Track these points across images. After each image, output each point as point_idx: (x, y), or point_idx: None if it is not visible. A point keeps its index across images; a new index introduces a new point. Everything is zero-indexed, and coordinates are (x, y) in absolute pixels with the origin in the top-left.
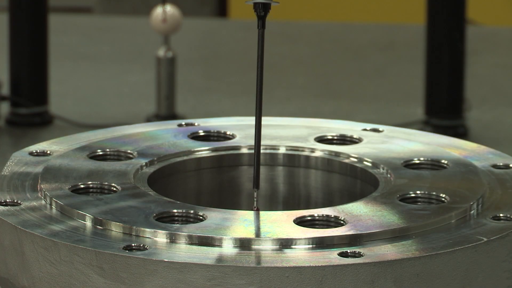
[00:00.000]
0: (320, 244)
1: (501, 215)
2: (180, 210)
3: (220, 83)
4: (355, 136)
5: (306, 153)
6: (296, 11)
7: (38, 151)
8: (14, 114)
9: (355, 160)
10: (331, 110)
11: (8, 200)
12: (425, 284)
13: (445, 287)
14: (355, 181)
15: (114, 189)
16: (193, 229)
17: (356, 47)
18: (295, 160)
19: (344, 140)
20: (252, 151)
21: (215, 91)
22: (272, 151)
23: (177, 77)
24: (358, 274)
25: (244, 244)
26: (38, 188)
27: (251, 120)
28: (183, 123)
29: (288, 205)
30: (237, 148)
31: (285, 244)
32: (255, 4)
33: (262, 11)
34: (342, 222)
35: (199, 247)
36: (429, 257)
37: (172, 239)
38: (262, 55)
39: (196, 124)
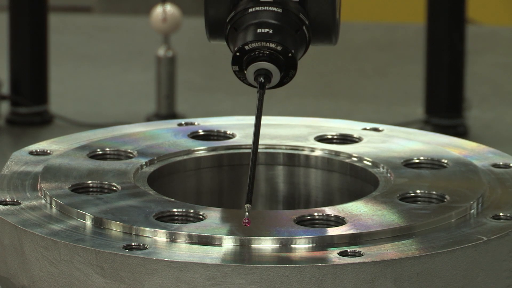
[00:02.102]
0: (320, 243)
1: (501, 214)
2: (180, 210)
3: (220, 83)
4: (355, 136)
5: (306, 152)
6: None
7: (38, 150)
8: (14, 114)
9: (355, 159)
10: (331, 110)
11: (8, 200)
12: (425, 283)
13: (445, 286)
14: (355, 181)
15: (114, 188)
16: (193, 228)
17: (356, 46)
18: (295, 160)
19: (344, 139)
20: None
21: (215, 91)
22: (272, 150)
23: (177, 77)
24: (358, 274)
25: (244, 243)
26: (38, 188)
27: (251, 120)
28: (183, 122)
29: (288, 205)
30: (237, 147)
31: (285, 243)
32: (257, 71)
33: (263, 79)
34: (342, 221)
35: (199, 246)
36: (429, 256)
37: (172, 239)
38: (260, 117)
39: (196, 123)
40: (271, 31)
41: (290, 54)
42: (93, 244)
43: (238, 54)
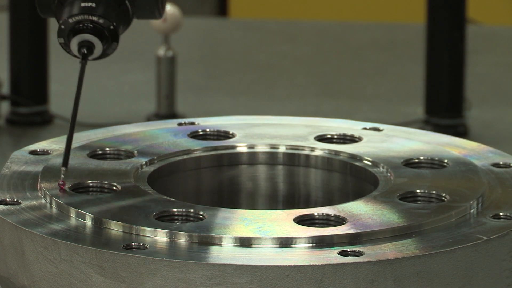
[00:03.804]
0: (320, 243)
1: (501, 214)
2: (180, 209)
3: (220, 82)
4: (355, 135)
5: (306, 152)
6: (296, 10)
7: (38, 150)
8: (14, 113)
9: (355, 159)
10: (331, 109)
11: (8, 199)
12: (425, 283)
13: (445, 286)
14: (355, 180)
15: (114, 188)
16: (193, 228)
17: (356, 46)
18: (295, 159)
19: (344, 139)
20: (253, 150)
21: (215, 90)
22: (272, 150)
23: (177, 76)
24: (358, 273)
25: (244, 243)
26: (38, 187)
27: (251, 119)
28: (183, 122)
29: (288, 204)
30: (237, 147)
31: (285, 243)
32: (80, 43)
33: (86, 50)
34: (342, 221)
35: (199, 246)
36: (429, 256)
37: (172, 238)
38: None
39: (196, 123)
40: (94, 5)
41: (112, 27)
42: (93, 243)
43: (63, 26)
